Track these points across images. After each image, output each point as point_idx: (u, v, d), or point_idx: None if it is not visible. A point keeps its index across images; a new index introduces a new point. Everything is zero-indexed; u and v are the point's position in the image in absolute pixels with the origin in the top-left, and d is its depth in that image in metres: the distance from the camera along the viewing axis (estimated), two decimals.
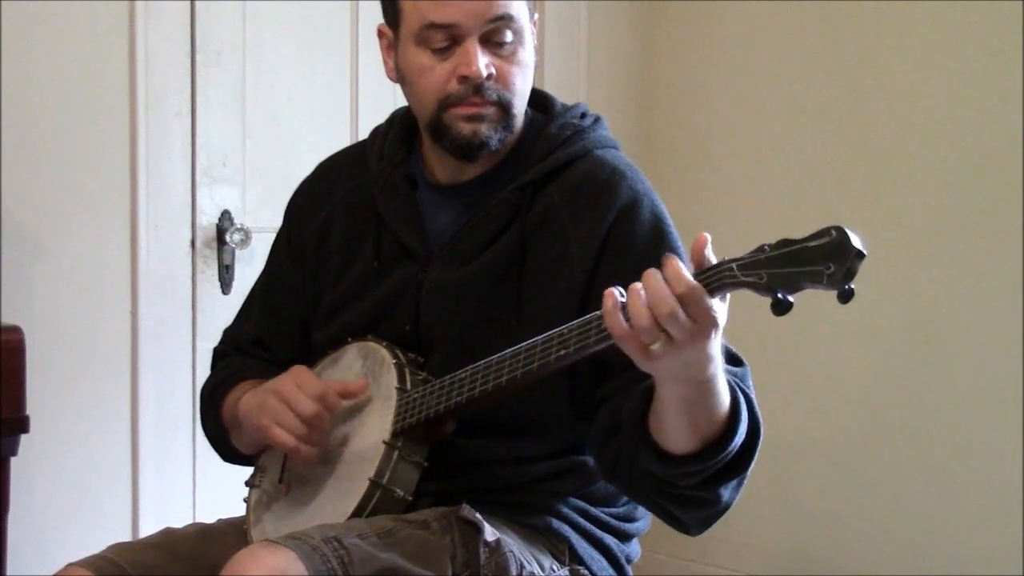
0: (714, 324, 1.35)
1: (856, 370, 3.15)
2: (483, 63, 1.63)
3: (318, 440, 1.67)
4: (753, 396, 1.56)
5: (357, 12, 3.00)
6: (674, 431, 1.47)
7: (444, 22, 1.62)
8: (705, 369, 1.40)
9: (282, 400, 1.66)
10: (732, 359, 1.59)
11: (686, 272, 1.34)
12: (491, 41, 1.64)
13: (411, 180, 1.78)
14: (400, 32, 1.68)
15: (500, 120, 1.66)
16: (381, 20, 1.75)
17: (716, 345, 1.39)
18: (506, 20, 1.63)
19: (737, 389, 1.50)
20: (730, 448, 1.48)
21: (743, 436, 1.49)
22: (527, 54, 1.68)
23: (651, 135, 3.50)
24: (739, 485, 1.55)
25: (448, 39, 1.63)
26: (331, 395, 1.67)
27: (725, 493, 1.54)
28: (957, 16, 2.95)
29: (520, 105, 1.69)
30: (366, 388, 1.70)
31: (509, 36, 1.64)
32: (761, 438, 1.54)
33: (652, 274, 1.35)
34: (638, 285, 1.36)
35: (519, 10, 1.65)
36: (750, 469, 1.54)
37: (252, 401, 1.73)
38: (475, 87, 1.63)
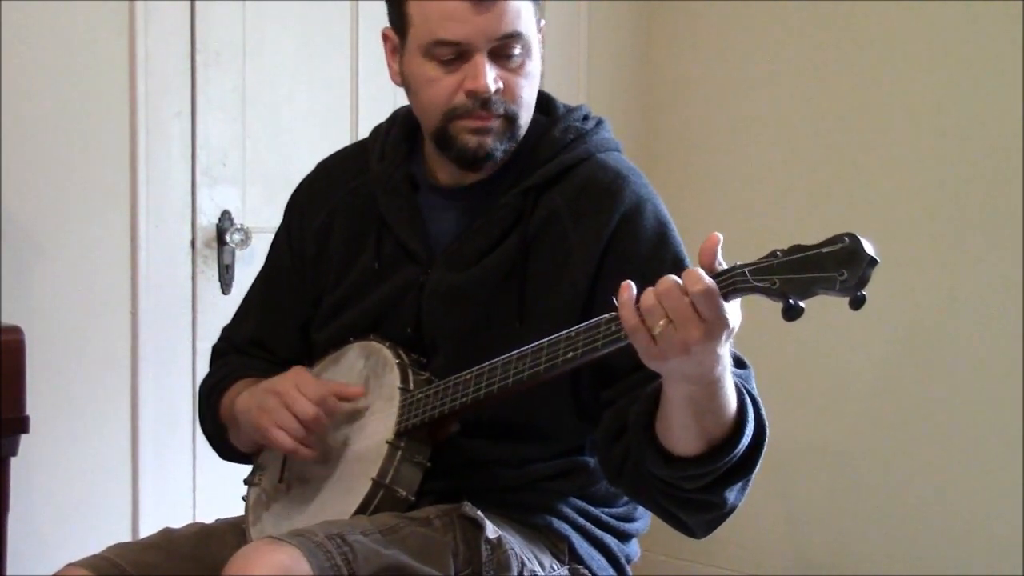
0: (726, 326, 1.36)
1: (856, 372, 3.14)
2: (491, 78, 1.62)
3: (316, 442, 1.67)
4: (758, 398, 1.56)
5: (357, 12, 2.99)
6: (681, 433, 1.47)
7: (453, 39, 1.61)
8: (713, 369, 1.40)
9: (281, 401, 1.66)
10: (736, 362, 1.59)
11: (703, 273, 1.35)
12: (499, 55, 1.63)
13: (413, 182, 1.77)
14: (407, 40, 1.67)
15: (505, 132, 1.66)
16: (382, 21, 1.74)
17: (726, 346, 1.39)
18: (515, 37, 1.63)
19: (744, 391, 1.50)
20: (736, 450, 1.48)
21: (749, 438, 1.49)
22: (534, 65, 1.67)
23: (651, 135, 3.50)
24: (744, 487, 1.56)
25: (456, 53, 1.63)
26: (330, 398, 1.66)
27: (731, 496, 1.54)
28: (958, 17, 2.95)
29: (526, 116, 1.69)
30: (363, 393, 1.69)
31: (517, 50, 1.64)
32: (767, 439, 1.53)
33: (668, 277, 1.36)
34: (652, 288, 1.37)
35: (528, 25, 1.64)
36: (756, 471, 1.54)
37: (249, 400, 1.73)
38: (482, 101, 1.63)
